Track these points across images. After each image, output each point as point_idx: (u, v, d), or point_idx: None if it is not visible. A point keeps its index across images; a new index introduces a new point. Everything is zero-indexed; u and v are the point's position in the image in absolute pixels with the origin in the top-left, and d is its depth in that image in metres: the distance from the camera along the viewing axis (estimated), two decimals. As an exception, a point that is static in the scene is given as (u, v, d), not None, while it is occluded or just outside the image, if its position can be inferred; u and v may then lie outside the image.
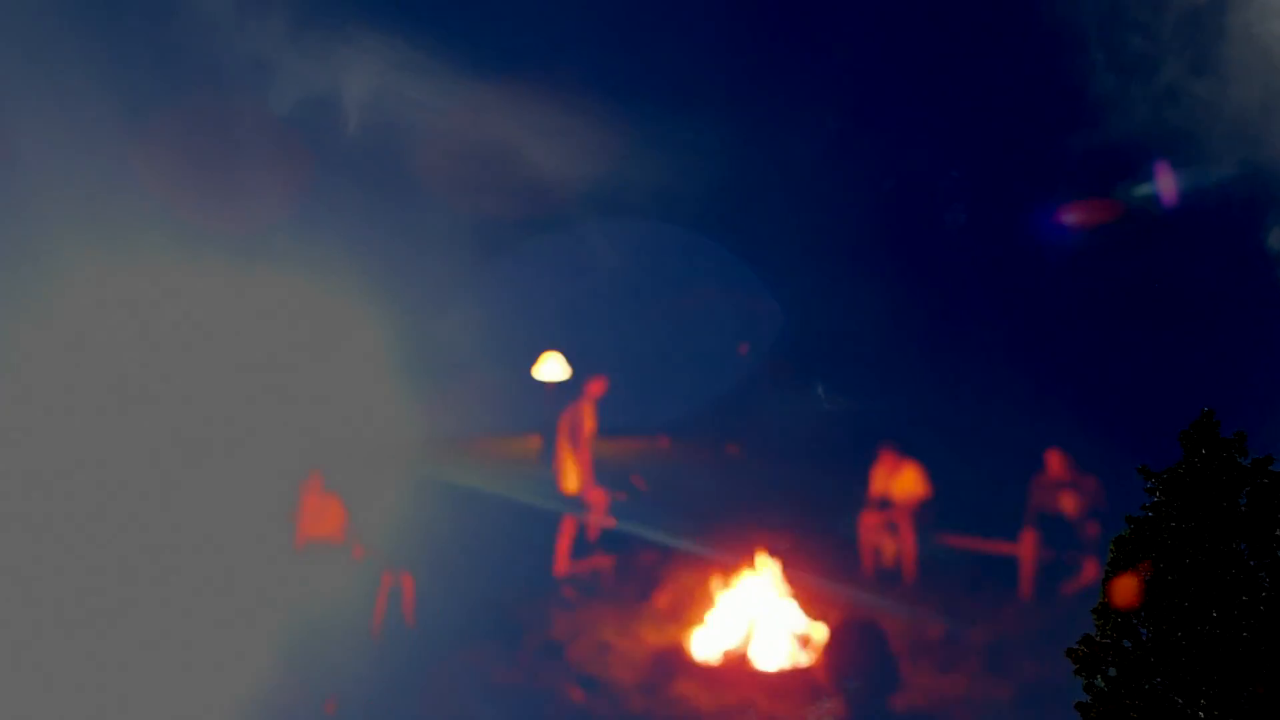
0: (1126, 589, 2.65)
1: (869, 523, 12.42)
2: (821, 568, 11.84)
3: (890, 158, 17.94)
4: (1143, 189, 14.68)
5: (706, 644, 9.49)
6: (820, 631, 9.35)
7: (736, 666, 9.07)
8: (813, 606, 10.39)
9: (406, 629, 9.81)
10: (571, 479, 14.84)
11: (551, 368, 15.90)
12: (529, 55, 15.29)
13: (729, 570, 10.18)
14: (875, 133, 18.08)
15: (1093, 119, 14.53)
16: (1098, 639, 2.74)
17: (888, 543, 12.33)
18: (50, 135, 11.56)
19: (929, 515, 12.25)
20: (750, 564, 10.23)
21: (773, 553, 11.38)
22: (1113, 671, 2.64)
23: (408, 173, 15.53)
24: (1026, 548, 11.72)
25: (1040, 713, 8.35)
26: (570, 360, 15.55)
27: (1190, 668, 2.49)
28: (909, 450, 13.06)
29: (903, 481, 12.63)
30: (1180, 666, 2.51)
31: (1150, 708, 2.55)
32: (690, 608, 10.71)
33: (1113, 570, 2.84)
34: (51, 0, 11.43)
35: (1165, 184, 14.07)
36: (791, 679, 8.89)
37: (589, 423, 15.11)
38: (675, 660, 9.33)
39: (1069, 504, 10.92)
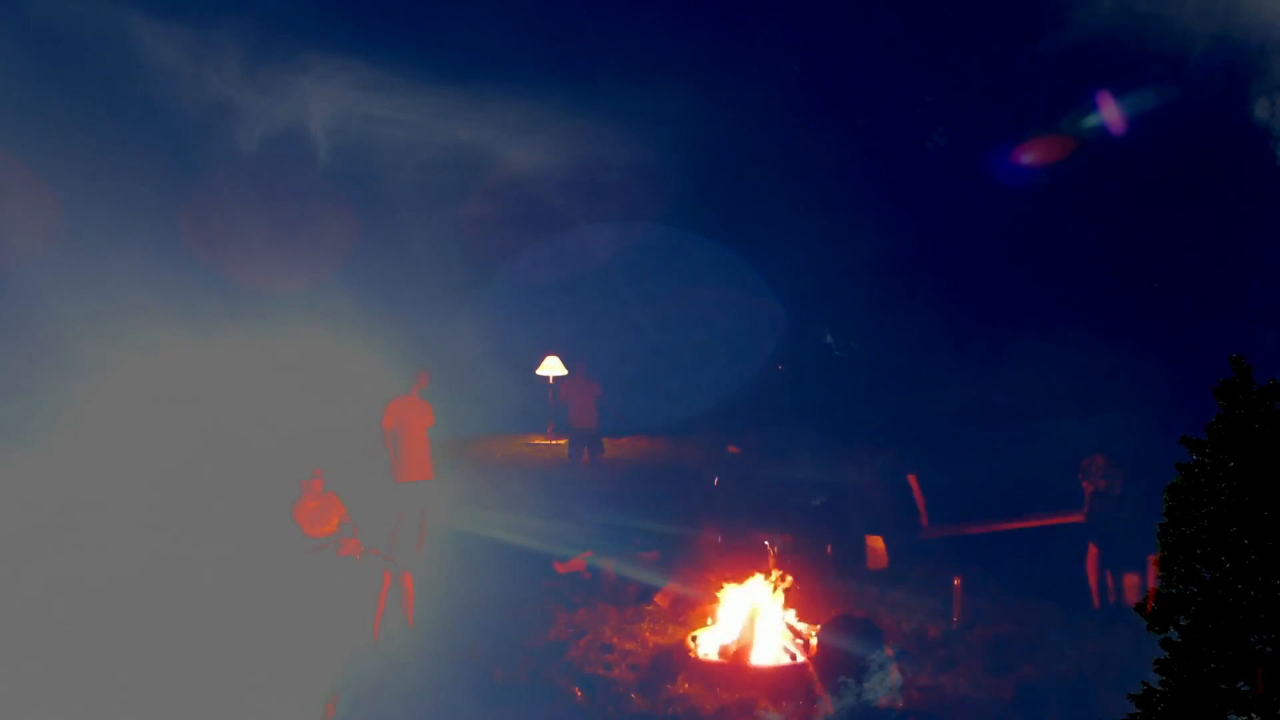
0: (1185, 537, 2.65)
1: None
2: (823, 565, 11.96)
3: (860, 91, 17.76)
4: (1121, 88, 14.51)
5: (707, 643, 9.56)
6: (821, 630, 9.39)
7: (737, 666, 9.12)
8: (814, 604, 10.46)
9: (406, 629, 9.90)
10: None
11: (552, 367, 15.93)
12: (486, 57, 15.18)
13: (731, 567, 10.24)
14: (840, 68, 17.89)
15: (1058, 20, 14.32)
16: (1163, 590, 2.74)
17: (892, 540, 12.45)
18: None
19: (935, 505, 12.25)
20: (752, 561, 10.29)
21: (775, 549, 11.44)
22: (1184, 620, 2.65)
23: (385, 189, 15.48)
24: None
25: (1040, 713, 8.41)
26: (572, 356, 15.56)
27: (1262, 609, 2.50)
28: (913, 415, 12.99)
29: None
30: (1252, 607, 2.52)
31: (1228, 651, 2.56)
32: (691, 606, 10.79)
33: (1170, 520, 2.83)
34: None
35: (1143, 81, 13.91)
36: (792, 678, 8.94)
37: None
38: (675, 660, 9.37)
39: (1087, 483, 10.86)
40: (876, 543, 12.37)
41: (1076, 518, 10.96)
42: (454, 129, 14.84)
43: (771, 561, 10.20)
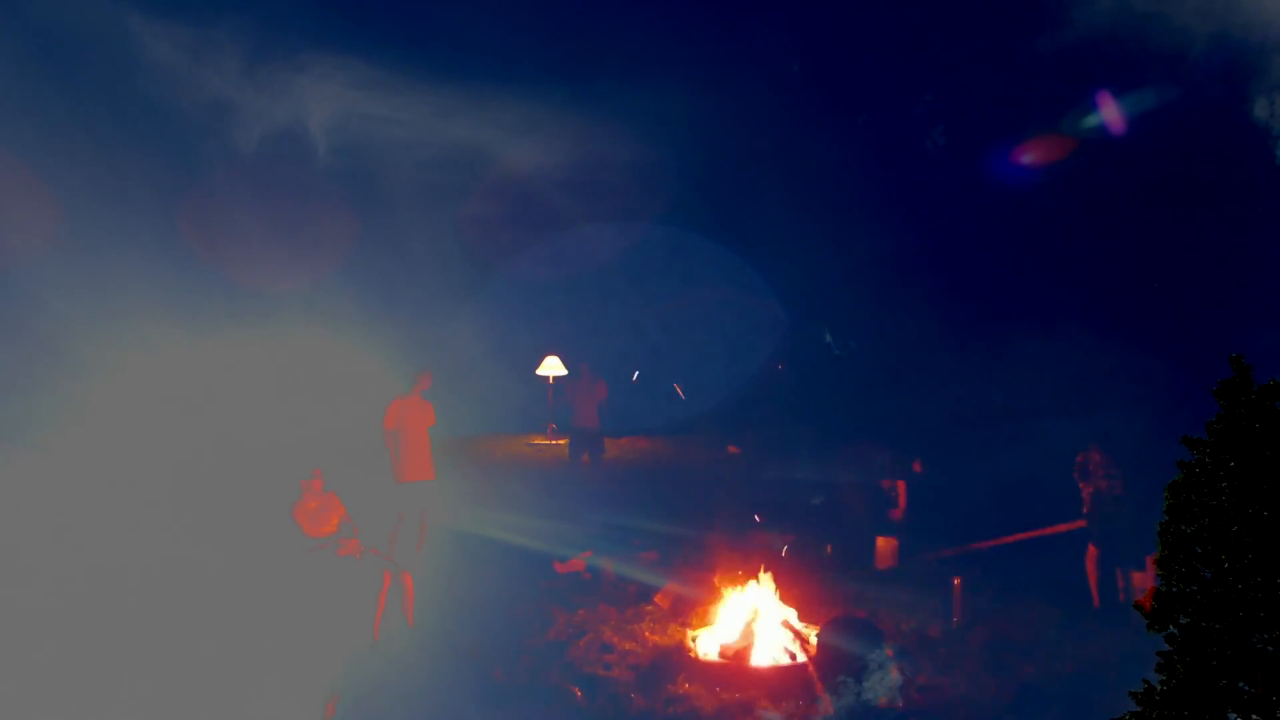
0: (1185, 536, 2.65)
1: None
2: (823, 564, 11.98)
3: (860, 91, 17.74)
4: (1121, 88, 14.48)
5: (707, 643, 9.56)
6: (821, 630, 9.39)
7: (737, 666, 9.13)
8: (814, 604, 10.46)
9: (406, 629, 9.89)
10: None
11: (552, 367, 15.92)
12: (486, 56, 15.18)
13: (731, 567, 10.24)
14: (840, 68, 17.88)
15: (1058, 20, 14.29)
16: (1163, 589, 2.74)
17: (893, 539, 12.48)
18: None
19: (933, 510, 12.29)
20: (752, 560, 10.30)
21: (775, 548, 11.46)
22: (1184, 619, 2.65)
23: (384, 189, 15.48)
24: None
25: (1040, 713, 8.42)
26: (572, 356, 15.54)
27: (1262, 608, 2.51)
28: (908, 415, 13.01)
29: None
30: (1252, 607, 2.53)
31: (1228, 651, 2.57)
32: (691, 606, 10.79)
33: (1170, 518, 2.83)
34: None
35: (1143, 81, 13.89)
36: (792, 678, 8.94)
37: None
38: (675, 660, 9.38)
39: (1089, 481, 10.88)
40: (885, 543, 12.40)
41: (1079, 524, 10.98)
42: (454, 129, 14.85)
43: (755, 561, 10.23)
